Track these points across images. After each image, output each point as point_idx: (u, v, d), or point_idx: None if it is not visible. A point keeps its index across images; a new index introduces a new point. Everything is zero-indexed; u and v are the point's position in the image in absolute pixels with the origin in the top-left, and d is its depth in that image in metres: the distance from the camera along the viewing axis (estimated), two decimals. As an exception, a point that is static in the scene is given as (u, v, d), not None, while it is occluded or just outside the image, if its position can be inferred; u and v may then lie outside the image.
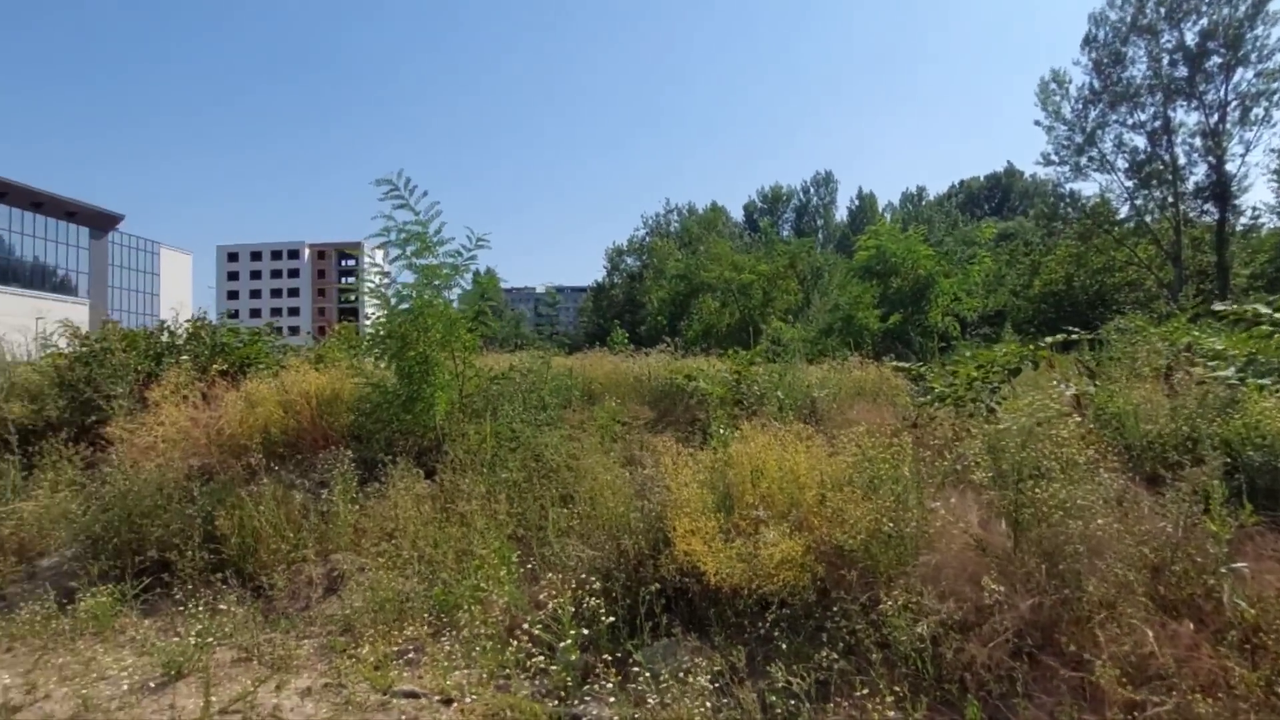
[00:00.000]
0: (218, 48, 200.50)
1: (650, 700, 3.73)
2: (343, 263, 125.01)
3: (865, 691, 3.63)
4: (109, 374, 8.88)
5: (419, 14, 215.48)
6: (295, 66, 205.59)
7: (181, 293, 72.63)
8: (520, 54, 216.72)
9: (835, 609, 4.33)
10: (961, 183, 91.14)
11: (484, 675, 4.44)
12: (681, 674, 3.88)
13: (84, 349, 9.31)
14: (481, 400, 8.92)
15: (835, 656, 3.95)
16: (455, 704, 4.20)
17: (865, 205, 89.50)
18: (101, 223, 59.13)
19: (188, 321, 10.48)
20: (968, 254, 23.59)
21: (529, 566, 5.33)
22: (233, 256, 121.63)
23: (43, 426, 8.58)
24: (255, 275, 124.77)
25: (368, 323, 13.03)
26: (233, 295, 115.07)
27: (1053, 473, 4.42)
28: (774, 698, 3.73)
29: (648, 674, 3.87)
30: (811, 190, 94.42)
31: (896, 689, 3.63)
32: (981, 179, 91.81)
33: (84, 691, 4.41)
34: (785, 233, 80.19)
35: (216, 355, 9.74)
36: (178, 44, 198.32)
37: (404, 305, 8.35)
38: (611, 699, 3.75)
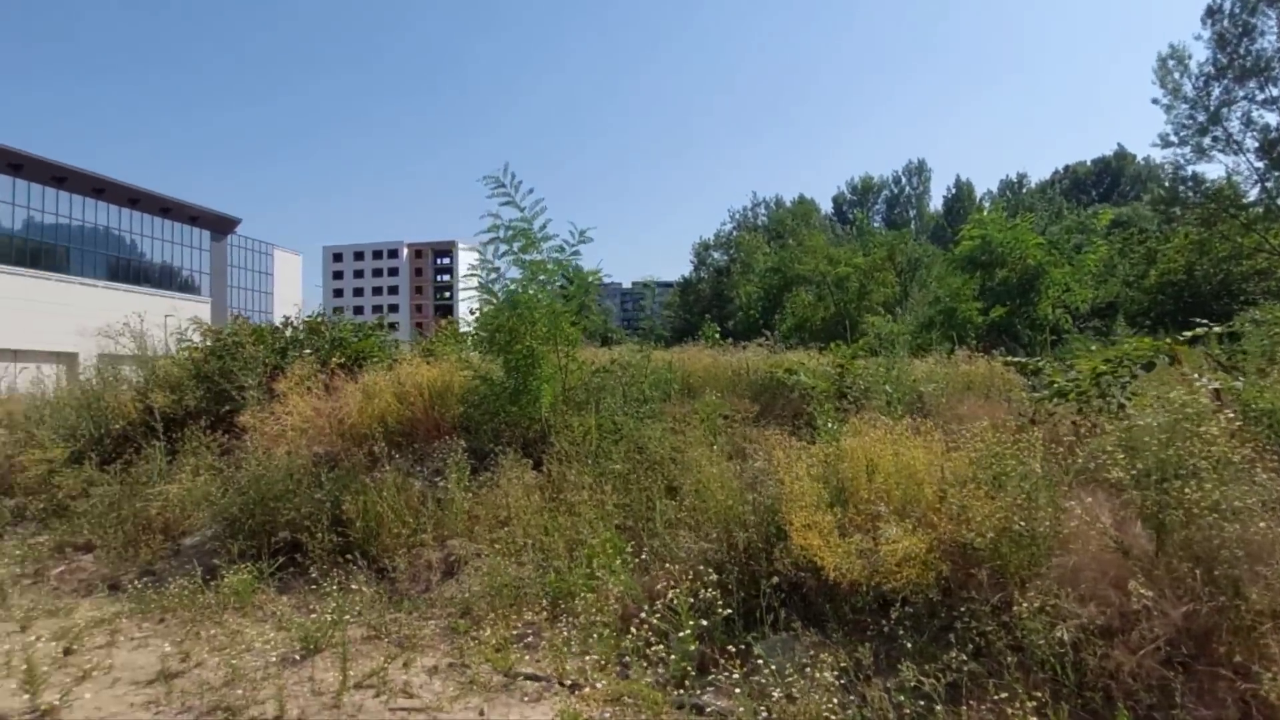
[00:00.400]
0: (327, 71, 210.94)
1: (775, 693, 3.70)
2: (438, 261, 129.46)
3: (1004, 695, 3.49)
4: (240, 366, 9.50)
5: (493, 10, 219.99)
6: (396, 80, 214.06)
7: (292, 291, 76.92)
8: (601, 49, 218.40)
9: (963, 609, 4.18)
10: (1066, 168, 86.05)
11: (602, 662, 4.51)
12: (805, 669, 3.84)
13: (217, 343, 9.99)
14: (584, 393, 9.07)
15: (964, 658, 3.81)
16: (578, 688, 4.28)
17: (962, 194, 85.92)
18: (221, 226, 63.35)
19: (307, 317, 11.08)
20: (1079, 242, 22.31)
21: (642, 557, 5.37)
22: (337, 257, 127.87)
23: (182, 415, 9.26)
24: (358, 274, 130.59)
25: (469, 318, 13.46)
26: (338, 293, 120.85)
27: (1202, 472, 4.12)
28: (902, 697, 3.63)
29: (771, 667, 3.84)
30: (903, 180, 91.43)
31: (1037, 694, 3.47)
32: (1089, 163, 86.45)
33: (233, 662, 4.72)
34: (876, 224, 77.97)
35: (335, 349, 10.26)
36: (286, 73, 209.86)
37: (510, 300, 8.58)
38: (737, 690, 3.74)
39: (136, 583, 6.64)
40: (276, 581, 6.35)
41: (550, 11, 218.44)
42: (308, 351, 10.01)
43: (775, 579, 4.64)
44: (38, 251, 47.17)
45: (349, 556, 6.44)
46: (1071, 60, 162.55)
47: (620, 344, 14.13)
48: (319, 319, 10.93)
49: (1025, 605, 3.85)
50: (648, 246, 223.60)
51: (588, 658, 4.62)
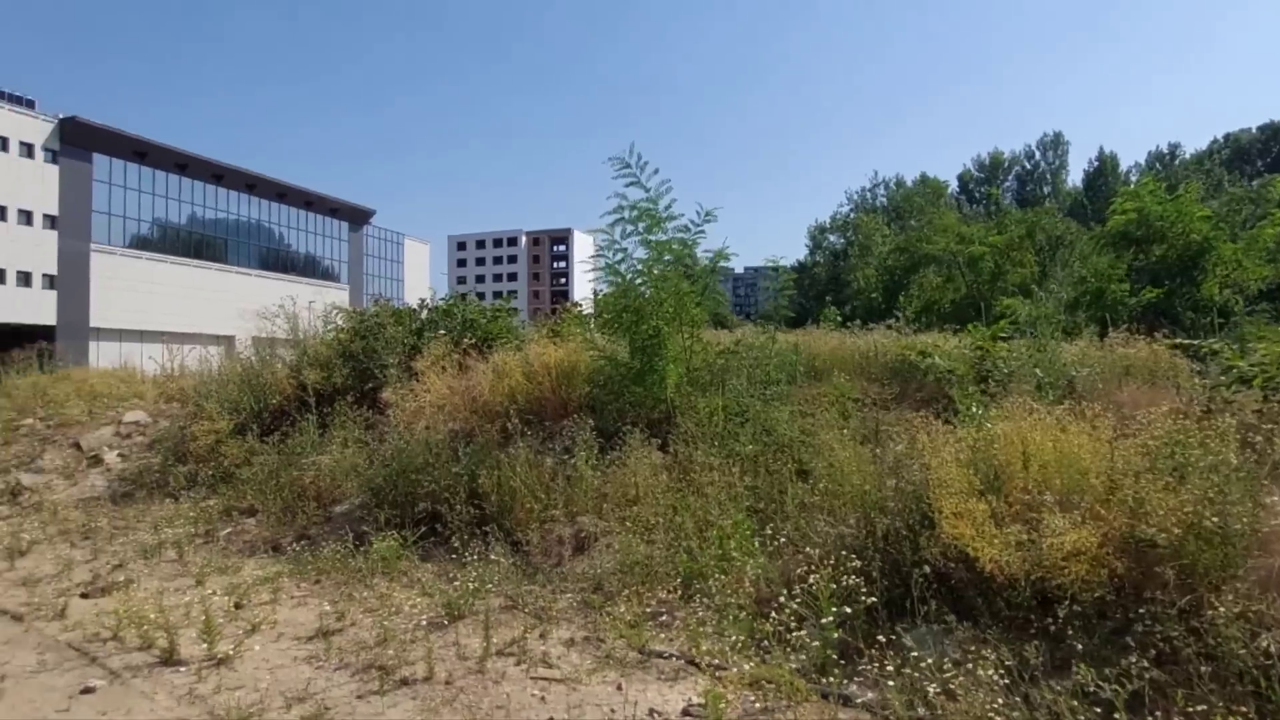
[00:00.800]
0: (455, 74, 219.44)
1: (930, 689, 3.49)
2: (554, 248, 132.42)
3: (1199, 708, 3.13)
4: (382, 346, 10.01)
5: (619, 9, 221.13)
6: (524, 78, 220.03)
7: (421, 278, 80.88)
8: (718, 34, 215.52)
9: (1142, 611, 3.79)
10: (1227, 136, 77.21)
11: (738, 644, 4.42)
12: (962, 664, 3.61)
13: (361, 324, 10.57)
14: (708, 375, 8.97)
15: (1146, 664, 3.45)
16: (715, 670, 4.21)
17: (1105, 167, 78.81)
18: (358, 217, 67.39)
19: (441, 300, 11.53)
20: (1249, 215, 20.01)
21: (780, 541, 5.23)
22: (461, 245, 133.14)
23: (331, 391, 9.85)
24: (479, 262, 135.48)
25: (591, 299, 13.62)
26: (461, 280, 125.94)
27: None
28: (1075, 702, 3.33)
29: (928, 661, 3.63)
30: (1037, 154, 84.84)
31: (1240, 709, 3.10)
32: (1254, 130, 77.19)
33: (385, 623, 4.96)
34: (1006, 202, 73.08)
35: (466, 330, 10.62)
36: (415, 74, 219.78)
37: (637, 281, 8.58)
38: (892, 682, 3.55)
39: (294, 546, 7.14)
40: (419, 549, 6.64)
41: (676, 12, 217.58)
42: (442, 332, 10.42)
43: (925, 568, 4.37)
44: (201, 243, 51.78)
45: (485, 529, 6.66)
46: (1229, 17, 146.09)
47: (733, 329, 13.89)
48: (452, 302, 11.35)
49: (1222, 610, 3.45)
50: (761, 232, 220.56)
51: (721, 639, 4.54)
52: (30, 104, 42.25)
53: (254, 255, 56.37)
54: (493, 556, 5.89)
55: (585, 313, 12.45)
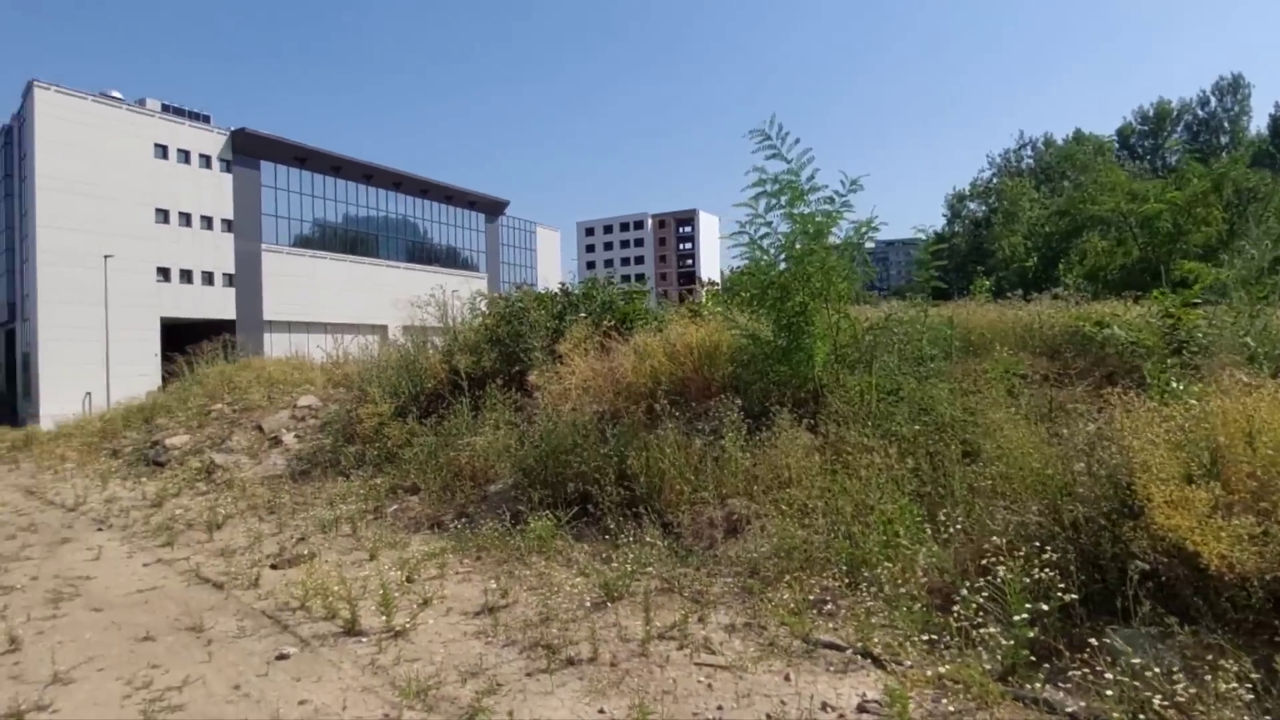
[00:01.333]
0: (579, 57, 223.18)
1: (1156, 700, 3.08)
2: (680, 229, 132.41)
3: None
4: (527, 330, 10.25)
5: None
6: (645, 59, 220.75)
7: (553, 264, 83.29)
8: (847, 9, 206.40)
9: None
10: None
11: (911, 638, 4.13)
12: (1193, 673, 3.17)
13: (506, 309, 10.88)
14: (857, 352, 8.56)
15: None
16: (886, 664, 3.96)
17: (1297, 109, 68.78)
18: (493, 209, 70.23)
19: (580, 284, 11.66)
20: None
21: (955, 528, 4.86)
22: (589, 231, 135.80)
23: (481, 375, 10.20)
24: (607, 246, 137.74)
25: (723, 278, 13.38)
26: (589, 265, 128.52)
27: None
28: (1341, 725, 2.84)
29: (1155, 670, 3.21)
30: (1213, 100, 75.26)
31: None
32: None
33: (548, 602, 5.04)
34: (1175, 156, 65.51)
35: (605, 312, 10.68)
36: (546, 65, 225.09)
37: (780, 256, 8.28)
38: (1109, 691, 3.17)
39: (455, 523, 7.45)
40: (572, 529, 6.72)
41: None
42: (582, 315, 10.54)
43: (1137, 564, 3.90)
44: (354, 239, 55.62)
45: (635, 510, 6.66)
46: None
47: (869, 304, 13.21)
48: (590, 285, 11.47)
49: None
50: (894, 203, 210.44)
51: (892, 631, 4.27)
52: (206, 119, 46.74)
53: (402, 249, 59.94)
54: (647, 539, 5.85)
55: (725, 290, 12.24)
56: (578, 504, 7.10)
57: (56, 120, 37.62)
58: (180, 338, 44.53)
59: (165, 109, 44.56)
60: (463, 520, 7.52)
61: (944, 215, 68.03)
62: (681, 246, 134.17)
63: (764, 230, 8.28)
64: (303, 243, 51.38)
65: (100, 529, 8.39)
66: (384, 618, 4.88)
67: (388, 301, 56.36)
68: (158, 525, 8.24)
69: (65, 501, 10.04)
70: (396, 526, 7.77)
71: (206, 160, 45.09)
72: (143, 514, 9.04)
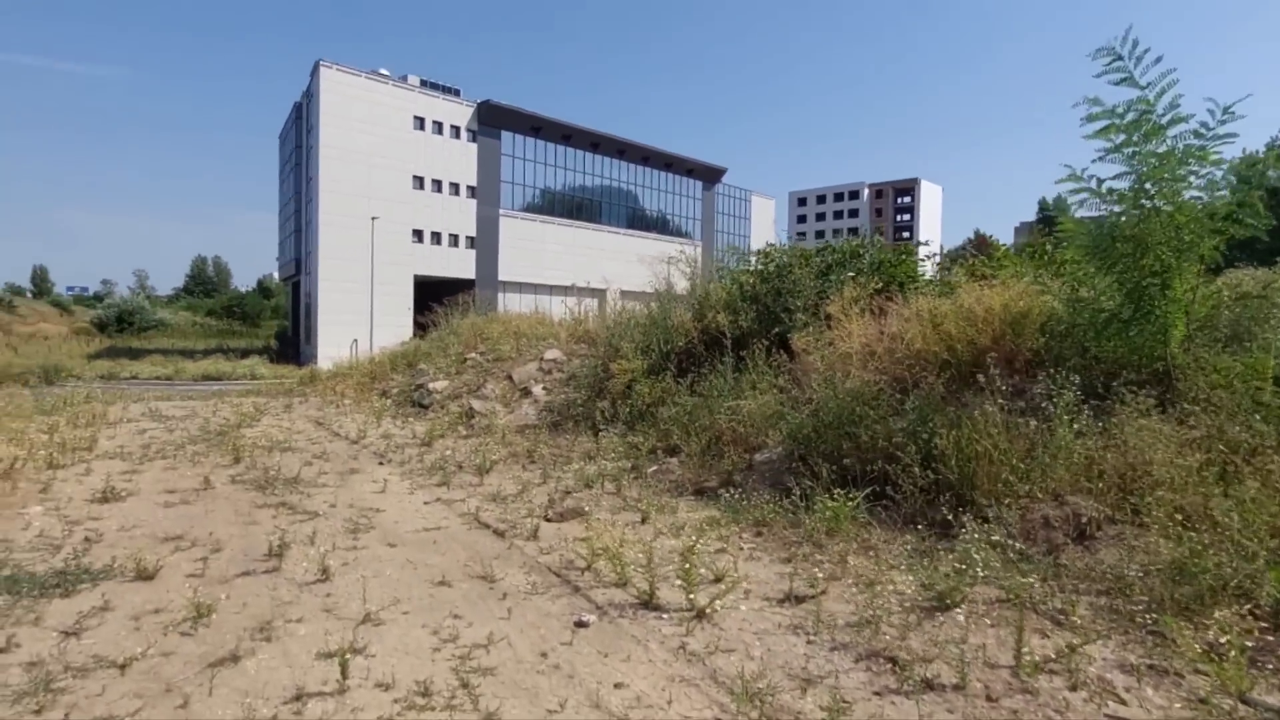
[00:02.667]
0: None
1: None
2: (898, 200, 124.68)
3: None
4: (790, 288, 9.41)
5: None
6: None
7: (766, 234, 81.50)
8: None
9: None
10: None
11: None
12: None
13: (768, 267, 10.10)
14: (1225, 327, 6.80)
15: None
16: None
17: None
18: (711, 176, 69.74)
19: (848, 240, 10.59)
20: None
21: None
22: (801, 201, 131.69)
23: (737, 335, 9.54)
24: (819, 217, 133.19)
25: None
26: (800, 235, 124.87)
27: None
28: None
29: None
30: None
31: None
32: None
33: (876, 603, 4.23)
34: None
35: (875, 272, 9.55)
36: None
37: (1132, 204, 6.69)
38: None
39: (721, 491, 6.87)
40: (864, 511, 5.84)
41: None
42: (849, 274, 9.49)
43: None
44: (579, 206, 57.78)
45: (938, 496, 5.65)
46: None
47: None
48: (859, 241, 10.36)
49: None
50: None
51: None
52: (456, 92, 50.36)
53: (622, 215, 61.43)
54: (971, 535, 4.82)
55: (1024, 249, 10.55)
56: (864, 481, 6.21)
57: (337, 96, 42.32)
58: (427, 294, 49.03)
59: (423, 84, 48.60)
60: (729, 488, 6.91)
61: None
62: (899, 218, 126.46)
63: (1118, 172, 6.72)
64: (533, 208, 54.21)
65: (381, 463, 8.84)
66: (684, 594, 4.34)
67: (608, 265, 58.35)
68: (431, 464, 8.51)
69: (349, 434, 10.85)
70: (658, 488, 7.35)
71: (456, 131, 48.73)
72: (416, 452, 9.45)
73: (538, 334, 15.45)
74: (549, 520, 6.26)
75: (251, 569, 4.85)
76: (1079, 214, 7.35)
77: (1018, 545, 5.02)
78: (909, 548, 5.24)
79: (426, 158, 46.85)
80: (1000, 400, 6.49)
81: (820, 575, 4.80)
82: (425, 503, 6.97)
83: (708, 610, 4.23)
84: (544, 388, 12.22)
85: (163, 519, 6.08)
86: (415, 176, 46.34)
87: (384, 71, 46.24)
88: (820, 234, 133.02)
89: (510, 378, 12.99)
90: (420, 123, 46.71)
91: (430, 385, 13.57)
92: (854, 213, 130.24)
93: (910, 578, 4.65)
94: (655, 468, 7.92)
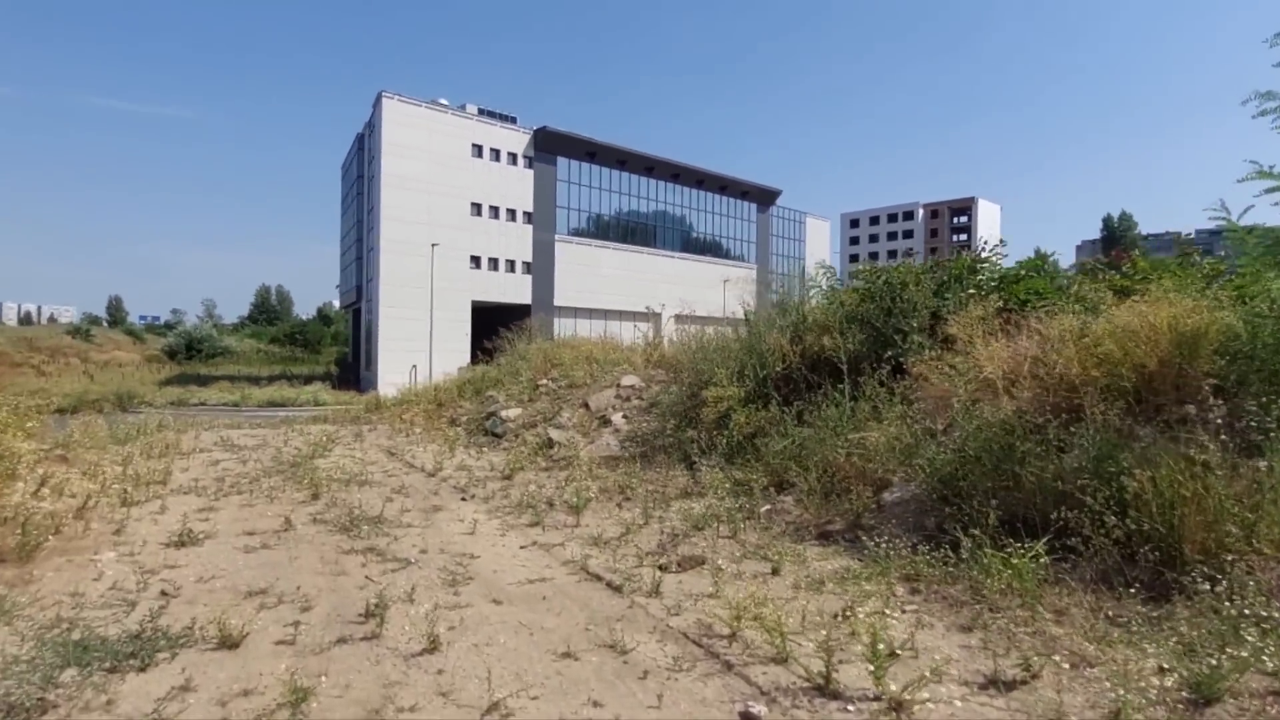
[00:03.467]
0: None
1: None
2: (954, 220, 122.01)
3: None
4: (902, 308, 8.57)
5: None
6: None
7: (822, 256, 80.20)
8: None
9: None
10: None
11: None
12: None
13: (874, 284, 9.28)
14: None
15: None
16: None
17: None
18: (765, 199, 68.85)
19: (967, 255, 9.71)
20: None
21: None
22: (854, 222, 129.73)
23: (850, 360, 8.70)
24: (873, 239, 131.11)
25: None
26: (853, 258, 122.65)
27: None
28: None
29: None
30: None
31: None
32: None
33: (1115, 694, 3.35)
34: None
35: (1001, 289, 8.64)
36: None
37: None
38: None
39: (849, 535, 6.05)
40: (1034, 565, 4.94)
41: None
42: (970, 291, 8.60)
43: None
44: (633, 230, 57.54)
45: (1138, 550, 4.73)
46: None
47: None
48: (975, 257, 9.45)
49: None
50: None
51: None
52: (513, 120, 50.80)
53: (676, 239, 60.96)
54: (1205, 600, 3.89)
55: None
56: (1036, 529, 5.30)
57: (398, 125, 42.99)
58: (483, 320, 49.15)
59: (481, 112, 49.15)
60: (858, 532, 6.08)
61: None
62: (956, 238, 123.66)
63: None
64: (588, 233, 54.10)
65: (464, 499, 8.23)
66: (869, 677, 3.54)
67: (662, 289, 57.76)
68: (518, 501, 7.86)
69: (424, 466, 10.30)
70: (776, 531, 6.54)
71: (513, 158, 49.07)
72: (498, 486, 8.83)
73: (610, 359, 14.83)
74: (665, 570, 5.51)
75: (348, 635, 4.20)
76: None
77: (1254, 613, 4.08)
78: (1113, 614, 4.34)
79: (484, 184, 47.23)
80: (1161, 432, 5.56)
81: (1017, 650, 3.94)
82: (521, 547, 6.29)
83: (902, 700, 3.42)
84: (623, 416, 11.54)
85: (244, 567, 5.52)
86: (473, 203, 46.72)
87: (443, 101, 46.90)
88: (874, 255, 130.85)
89: (587, 405, 12.36)
90: (478, 150, 47.17)
91: (503, 413, 13.02)
92: (909, 233, 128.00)
93: (1147, 659, 3.76)
94: (768, 507, 7.12)
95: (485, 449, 11.79)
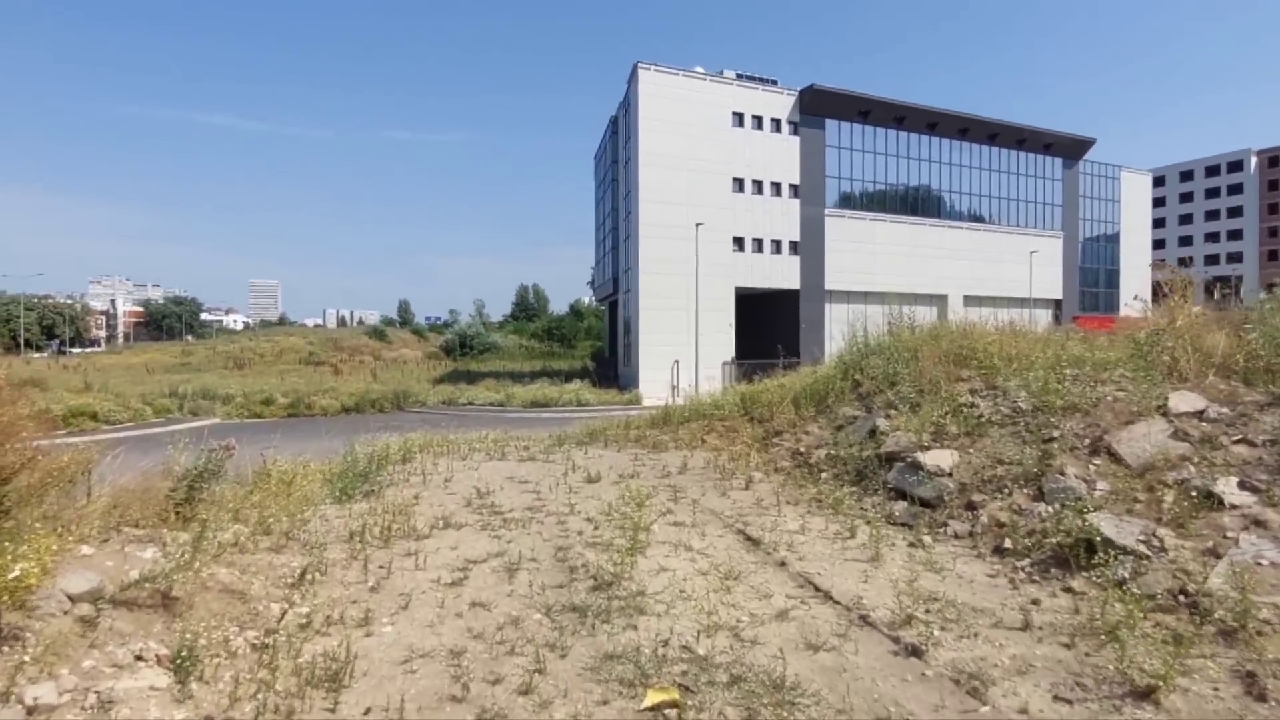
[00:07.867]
0: None
1: None
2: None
3: None
4: None
5: None
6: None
7: (1141, 220, 65.15)
8: None
9: None
10: None
11: None
12: None
13: None
14: None
15: None
16: None
17: None
18: (1074, 151, 56.32)
19: None
20: None
21: None
22: (1158, 180, 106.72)
23: None
24: (1185, 198, 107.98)
25: None
26: (1157, 223, 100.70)
27: None
28: None
29: None
30: None
31: None
32: None
33: None
34: None
35: None
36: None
37: None
38: None
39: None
40: None
41: None
42: None
43: None
44: (915, 198, 49.37)
45: None
46: None
47: None
48: None
49: None
50: None
51: None
52: (774, 83, 45.13)
53: (964, 206, 51.65)
54: None
55: None
56: None
57: (655, 97, 39.30)
58: (745, 308, 44.27)
59: (739, 77, 44.11)
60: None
61: None
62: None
63: None
64: (861, 204, 47.04)
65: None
66: None
67: (948, 265, 48.92)
68: None
69: (858, 602, 5.10)
70: None
71: (776, 124, 43.49)
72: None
73: (1076, 359, 8.78)
74: None
75: None
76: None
77: None
78: None
79: (746, 157, 42.14)
80: None
81: None
82: None
83: None
84: (1240, 484, 5.54)
85: None
86: (735, 179, 41.84)
87: (699, 69, 42.56)
88: (1186, 218, 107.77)
89: (1110, 451, 6.50)
90: (739, 119, 42.20)
91: (921, 458, 7.53)
92: (1234, 188, 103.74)
93: None
94: None
95: (930, 540, 6.41)
